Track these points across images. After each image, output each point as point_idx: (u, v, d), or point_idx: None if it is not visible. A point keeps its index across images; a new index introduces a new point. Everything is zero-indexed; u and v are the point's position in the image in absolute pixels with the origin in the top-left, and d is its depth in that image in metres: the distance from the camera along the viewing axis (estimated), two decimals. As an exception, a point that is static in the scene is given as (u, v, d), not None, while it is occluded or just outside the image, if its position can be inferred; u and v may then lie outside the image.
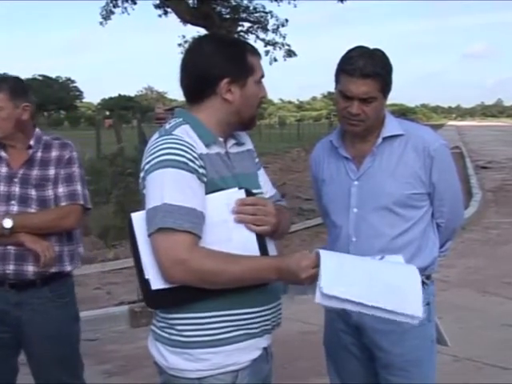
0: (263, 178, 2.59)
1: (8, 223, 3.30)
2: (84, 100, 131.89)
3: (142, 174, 2.32)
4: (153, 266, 2.25)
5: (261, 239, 2.32)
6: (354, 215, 2.88)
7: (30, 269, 3.34)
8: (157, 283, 2.25)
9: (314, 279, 2.16)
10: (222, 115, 2.39)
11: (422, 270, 2.84)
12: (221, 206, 2.27)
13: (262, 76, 2.45)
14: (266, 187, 2.57)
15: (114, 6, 22.33)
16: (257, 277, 2.24)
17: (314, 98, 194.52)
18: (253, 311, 2.34)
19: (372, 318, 2.78)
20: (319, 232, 10.78)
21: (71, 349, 3.61)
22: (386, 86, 2.78)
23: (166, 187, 2.21)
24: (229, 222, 2.28)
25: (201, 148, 2.30)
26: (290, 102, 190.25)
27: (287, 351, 5.67)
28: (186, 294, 2.25)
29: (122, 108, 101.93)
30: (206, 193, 2.27)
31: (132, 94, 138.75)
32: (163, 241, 2.19)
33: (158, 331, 2.38)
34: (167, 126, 2.37)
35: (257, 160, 2.62)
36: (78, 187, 3.46)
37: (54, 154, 3.45)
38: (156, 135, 2.36)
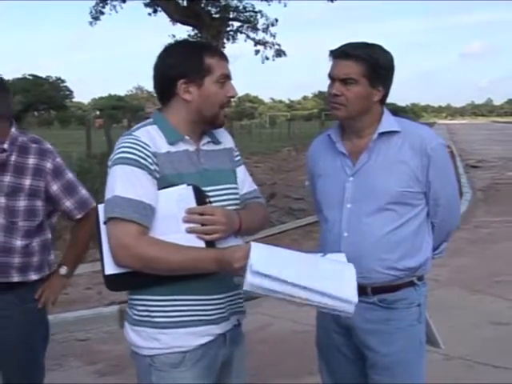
0: (241, 175, 2.76)
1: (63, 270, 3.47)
2: (74, 99, 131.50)
3: (107, 170, 2.55)
4: (108, 252, 2.48)
5: None
6: (348, 211, 2.87)
7: None
8: (109, 268, 2.48)
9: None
10: (184, 114, 2.56)
11: (414, 270, 2.88)
12: (170, 201, 2.46)
13: (225, 76, 2.57)
14: (244, 184, 2.75)
15: (103, 6, 22.30)
16: (197, 266, 2.41)
17: (304, 98, 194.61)
18: (204, 298, 2.51)
19: (361, 318, 2.80)
20: (310, 231, 10.79)
21: (33, 354, 3.40)
22: (371, 73, 2.77)
23: (118, 181, 2.45)
24: (178, 215, 2.46)
25: (159, 147, 2.49)
26: (280, 102, 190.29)
27: (279, 350, 5.70)
28: (137, 279, 2.46)
29: (111, 108, 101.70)
30: (159, 188, 2.47)
31: (122, 94, 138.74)
32: (113, 229, 2.44)
33: (127, 310, 2.62)
34: (134, 127, 2.60)
35: (237, 158, 2.77)
36: (83, 191, 3.38)
37: (32, 161, 3.21)
38: (122, 135, 2.59)
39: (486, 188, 16.90)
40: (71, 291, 7.24)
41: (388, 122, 2.88)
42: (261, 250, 2.31)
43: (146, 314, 2.51)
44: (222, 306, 2.55)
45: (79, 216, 3.37)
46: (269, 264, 2.25)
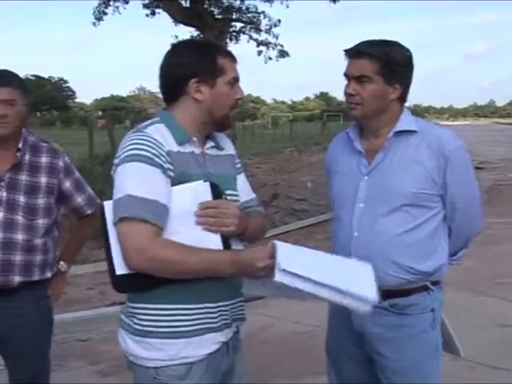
0: (241, 182, 2.71)
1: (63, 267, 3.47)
2: (77, 100, 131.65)
3: (113, 168, 2.45)
4: (119, 252, 2.37)
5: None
6: (360, 210, 2.81)
7: (17, 279, 3.24)
8: (121, 269, 2.37)
9: (270, 270, 2.24)
10: (194, 114, 2.50)
11: (427, 275, 2.80)
12: (186, 198, 2.38)
13: (236, 78, 2.54)
14: (243, 192, 2.70)
15: (106, 7, 22.30)
16: (213, 269, 2.33)
17: (307, 98, 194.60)
18: (211, 306, 2.45)
19: (372, 323, 2.77)
20: (312, 232, 10.80)
21: (44, 351, 3.44)
22: (386, 71, 2.72)
23: (130, 180, 2.35)
24: (193, 212, 2.38)
25: (171, 146, 2.43)
26: (283, 103, 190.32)
27: (280, 351, 5.69)
28: (147, 282, 2.36)
29: (114, 108, 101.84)
30: (173, 185, 2.38)
31: (124, 95, 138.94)
32: (125, 230, 2.32)
33: (125, 319, 2.51)
34: (142, 125, 2.50)
35: (238, 165, 2.73)
36: (89, 189, 3.50)
37: (45, 160, 3.31)
38: (129, 132, 2.49)
39: (488, 189, 16.84)
40: (72, 291, 7.24)
41: (406, 121, 2.81)
42: (286, 249, 2.29)
43: (149, 323, 2.42)
44: (226, 312, 2.50)
45: (89, 211, 3.50)
46: (295, 262, 2.23)
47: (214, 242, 2.38)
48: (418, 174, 2.74)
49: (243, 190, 2.70)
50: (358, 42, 2.80)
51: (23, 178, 3.26)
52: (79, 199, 3.44)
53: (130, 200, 2.31)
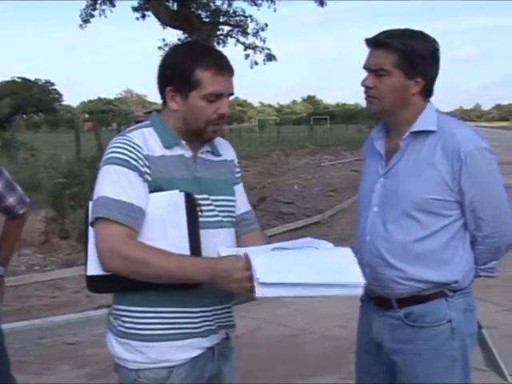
0: (239, 192, 2.68)
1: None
2: (63, 103, 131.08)
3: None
4: (93, 253, 2.39)
5: (193, 240, 2.38)
6: (373, 214, 2.68)
7: None
8: (92, 269, 2.40)
9: (247, 281, 2.18)
10: (173, 121, 2.48)
11: (439, 285, 2.64)
12: (161, 206, 2.38)
13: (215, 94, 2.40)
14: (239, 202, 2.66)
15: (93, 9, 22.31)
16: (184, 275, 2.30)
17: (294, 102, 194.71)
18: (191, 311, 2.42)
19: (389, 336, 2.68)
20: (299, 235, 10.80)
21: (7, 366, 3.34)
22: (406, 64, 2.53)
23: (106, 182, 2.38)
24: (167, 221, 2.38)
25: (153, 150, 2.42)
26: (270, 106, 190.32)
27: (269, 354, 5.70)
28: (121, 284, 2.36)
29: (101, 111, 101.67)
30: (150, 191, 2.39)
31: (111, 97, 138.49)
32: (99, 230, 2.35)
33: (112, 320, 2.51)
34: (128, 129, 2.52)
35: (238, 175, 2.71)
36: (19, 188, 3.43)
37: None
38: (115, 136, 2.51)
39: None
40: (59, 295, 7.22)
41: (424, 120, 2.61)
42: (260, 256, 2.22)
43: (131, 325, 2.42)
44: (209, 318, 2.46)
45: (22, 211, 3.44)
46: (272, 270, 2.17)
47: (182, 249, 2.35)
48: (431, 179, 2.55)
49: (239, 201, 2.66)
50: (378, 32, 2.62)
51: None
52: (11, 199, 3.36)
53: (105, 201, 2.33)
